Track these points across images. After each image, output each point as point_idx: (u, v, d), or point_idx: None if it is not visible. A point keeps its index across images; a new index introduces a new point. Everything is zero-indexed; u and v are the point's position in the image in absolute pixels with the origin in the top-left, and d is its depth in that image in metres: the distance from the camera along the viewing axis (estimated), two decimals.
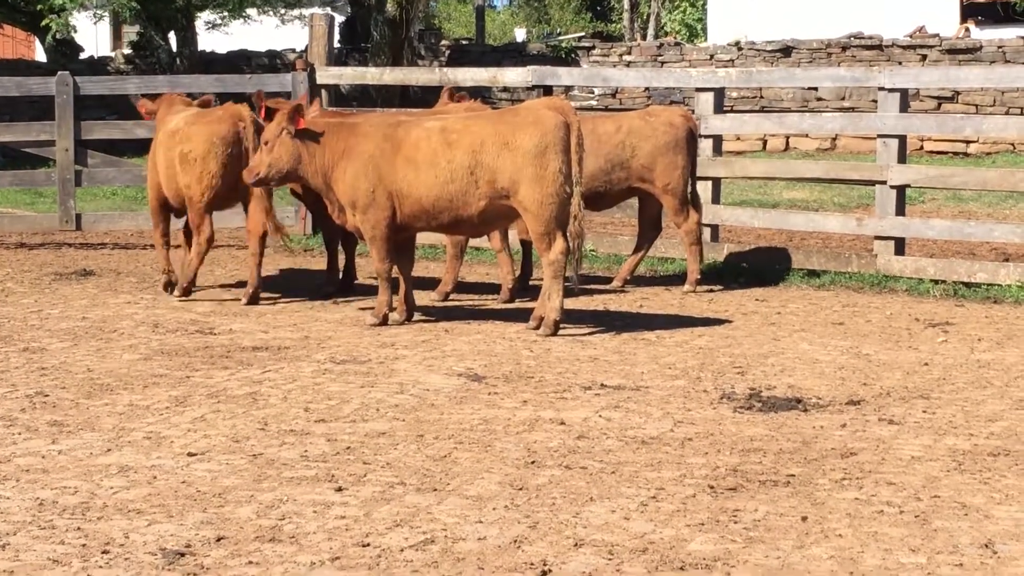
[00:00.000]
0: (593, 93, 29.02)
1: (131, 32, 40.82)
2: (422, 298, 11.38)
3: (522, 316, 10.91)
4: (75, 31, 31.19)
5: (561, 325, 10.27)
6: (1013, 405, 8.08)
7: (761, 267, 13.10)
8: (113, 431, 7.38)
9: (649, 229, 12.84)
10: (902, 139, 12.77)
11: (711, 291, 12.33)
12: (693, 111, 13.84)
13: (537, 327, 10.37)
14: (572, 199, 10.09)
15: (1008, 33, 28.85)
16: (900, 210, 12.73)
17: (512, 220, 10.58)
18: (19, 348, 9.64)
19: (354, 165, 10.30)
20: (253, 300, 11.47)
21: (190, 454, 6.93)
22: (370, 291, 11.49)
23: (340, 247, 12.24)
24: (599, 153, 12.17)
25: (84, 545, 5.56)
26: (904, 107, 12.75)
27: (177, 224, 12.27)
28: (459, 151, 10.14)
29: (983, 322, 10.86)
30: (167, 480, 6.48)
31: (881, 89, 12.79)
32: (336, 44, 26.45)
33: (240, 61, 31.37)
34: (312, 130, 10.43)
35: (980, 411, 7.93)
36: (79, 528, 5.77)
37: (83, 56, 34.33)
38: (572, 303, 11.48)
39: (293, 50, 31.56)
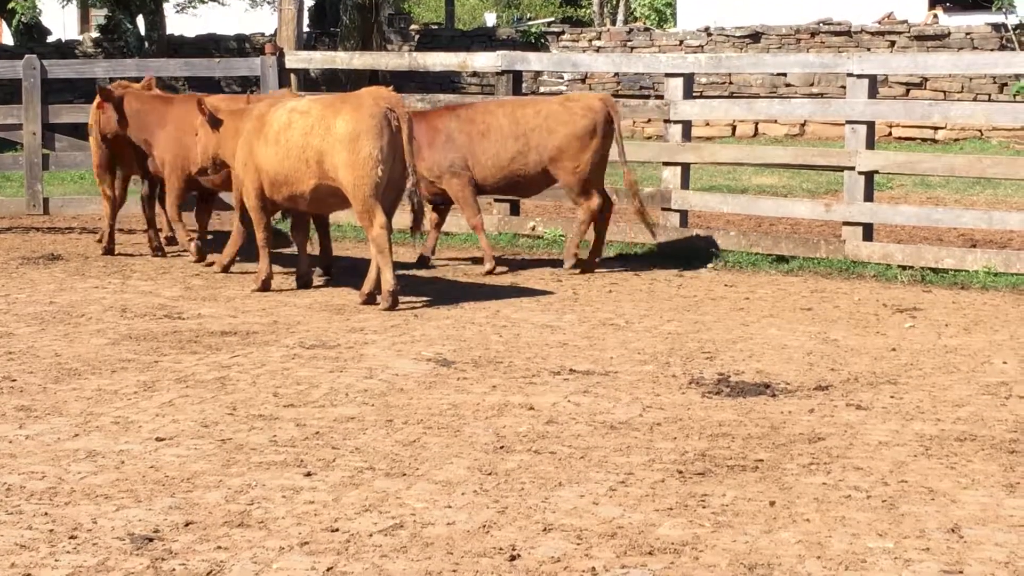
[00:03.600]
0: (563, 78, 29.02)
1: (99, 15, 40.62)
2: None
3: (495, 301, 10.92)
4: (40, 14, 31.04)
5: (399, 297, 10.60)
6: (980, 390, 8.12)
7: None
8: (81, 416, 7.36)
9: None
10: (870, 125, 12.80)
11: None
12: (615, 96, 13.84)
13: (365, 302, 10.79)
14: (409, 184, 10.62)
15: (976, 20, 28.93)
16: (868, 196, 12.76)
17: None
18: None
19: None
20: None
21: (158, 439, 6.92)
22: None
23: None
24: (518, 136, 12.34)
25: (51, 530, 5.55)
26: (873, 93, 12.77)
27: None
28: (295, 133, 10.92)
29: (950, 308, 10.90)
30: (135, 465, 6.47)
31: (850, 75, 12.81)
32: (305, 28, 26.42)
33: (209, 45, 31.27)
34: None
35: (947, 396, 7.97)
36: (46, 513, 5.76)
37: (51, 39, 34.17)
38: (544, 288, 11.50)
39: (262, 34, 31.49)
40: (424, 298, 11.02)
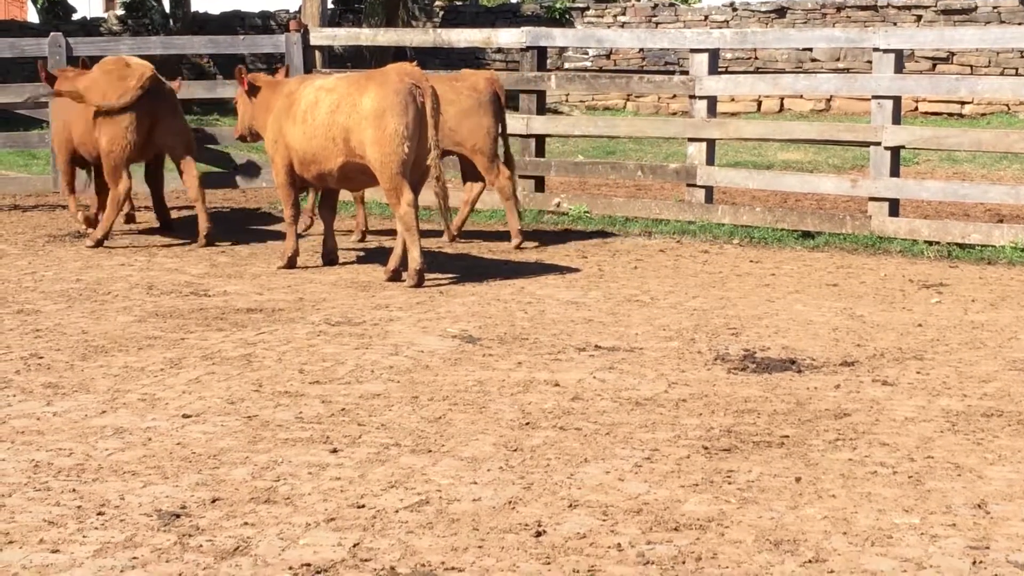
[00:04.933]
0: (587, 54, 28.97)
1: None
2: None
3: (520, 278, 10.92)
4: None
5: (425, 275, 10.64)
6: (1006, 366, 8.10)
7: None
8: (108, 393, 7.39)
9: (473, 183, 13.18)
10: (897, 100, 12.75)
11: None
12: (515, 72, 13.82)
13: (391, 279, 10.83)
14: (430, 159, 10.59)
15: None
16: (895, 171, 12.71)
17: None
18: (13, 310, 9.64)
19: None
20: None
21: (185, 416, 6.94)
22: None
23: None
24: None
25: (79, 507, 5.57)
26: (899, 68, 12.72)
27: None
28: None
29: (977, 283, 10.87)
30: (162, 442, 6.49)
31: (876, 50, 12.76)
32: (330, 5, 26.39)
33: (234, 22, 31.28)
34: None
35: (974, 372, 7.94)
36: (74, 490, 5.78)
37: (76, 17, 34.24)
38: (569, 265, 11.50)
39: (287, 11, 31.48)
40: (449, 275, 11.03)
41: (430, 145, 10.56)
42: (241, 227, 13.79)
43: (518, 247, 12.44)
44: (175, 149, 12.62)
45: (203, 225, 12.58)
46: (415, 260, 10.58)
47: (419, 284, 10.54)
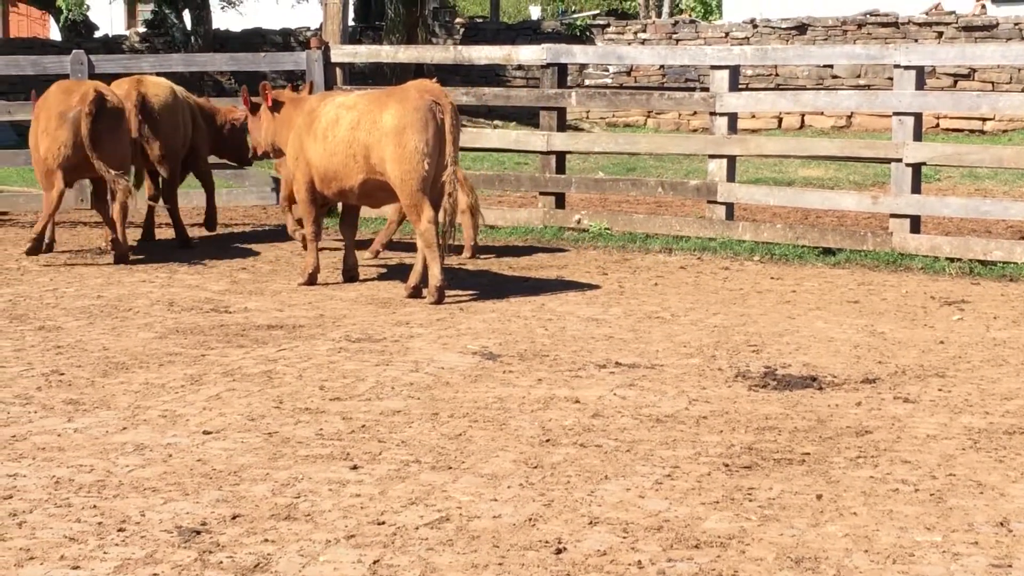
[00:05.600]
0: (608, 71, 28.99)
1: (145, 10, 40.81)
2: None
3: (540, 295, 10.92)
4: (88, 9, 31.22)
5: (446, 291, 10.62)
6: None
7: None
8: (129, 409, 7.40)
9: None
10: (918, 117, 12.73)
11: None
12: (708, 88, 13.83)
13: (411, 296, 10.81)
14: (445, 175, 10.55)
15: None
16: (916, 188, 12.69)
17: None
18: (35, 327, 9.66)
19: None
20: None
21: (205, 432, 6.95)
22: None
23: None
24: None
25: (100, 523, 5.58)
26: (920, 85, 12.70)
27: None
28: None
29: (999, 300, 10.83)
30: (183, 458, 6.50)
31: (897, 67, 12.75)
32: (351, 22, 26.46)
33: (255, 39, 31.40)
34: None
35: (996, 389, 7.92)
36: (95, 506, 5.79)
37: (98, 34, 34.40)
38: (589, 281, 11.50)
39: (308, 28, 31.58)
40: (470, 291, 11.03)
41: (447, 161, 10.57)
42: (261, 244, 13.81)
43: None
44: (106, 170, 12.44)
45: (116, 244, 12.58)
46: (436, 277, 10.58)
47: (439, 301, 10.54)
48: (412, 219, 10.71)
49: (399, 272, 11.76)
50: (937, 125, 25.14)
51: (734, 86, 13.67)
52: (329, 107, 11.14)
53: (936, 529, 5.54)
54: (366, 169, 10.79)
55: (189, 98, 13.89)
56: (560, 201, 14.64)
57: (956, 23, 26.99)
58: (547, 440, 6.82)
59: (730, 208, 13.67)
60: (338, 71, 15.35)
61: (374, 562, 5.17)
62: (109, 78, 14.73)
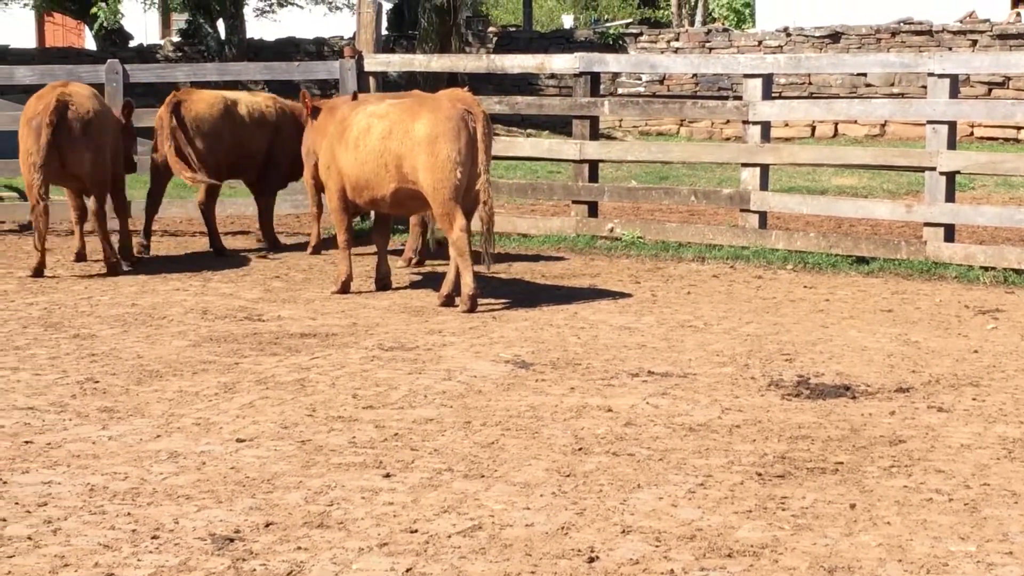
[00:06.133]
0: (641, 80, 28.98)
1: (180, 20, 40.97)
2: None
3: (573, 303, 10.92)
4: (122, 19, 31.34)
5: (478, 300, 10.65)
6: None
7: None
8: (163, 417, 7.43)
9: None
10: (952, 125, 12.68)
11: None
12: (741, 97, 13.83)
13: (444, 304, 10.81)
14: (478, 184, 10.58)
15: None
16: (950, 197, 12.64)
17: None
18: (70, 335, 9.71)
19: None
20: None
21: (239, 440, 6.97)
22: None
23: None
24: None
25: (134, 530, 5.60)
26: (954, 93, 12.65)
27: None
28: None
29: None
30: (216, 466, 6.52)
31: (931, 75, 12.71)
32: (384, 31, 26.52)
33: (288, 48, 31.47)
34: None
35: None
36: (129, 513, 5.81)
37: (132, 44, 34.55)
38: (622, 290, 11.48)
39: (341, 37, 31.64)
40: (503, 300, 11.04)
41: (479, 170, 10.58)
42: (294, 253, 13.84)
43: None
44: (80, 180, 12.47)
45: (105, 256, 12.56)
46: (468, 285, 10.60)
47: (472, 309, 10.55)
48: (444, 228, 10.73)
49: (432, 280, 11.78)
50: (971, 134, 25.05)
51: (767, 94, 13.64)
52: (360, 116, 11.17)
53: (970, 539, 5.52)
54: (398, 178, 10.82)
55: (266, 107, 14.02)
56: (593, 210, 14.63)
57: (990, 31, 26.89)
58: (580, 449, 6.82)
59: (763, 217, 13.64)
60: (371, 80, 15.37)
61: (407, 570, 5.18)
62: (143, 87, 14.81)
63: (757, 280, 12.24)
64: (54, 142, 11.98)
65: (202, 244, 14.16)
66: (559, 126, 26.00)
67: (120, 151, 12.99)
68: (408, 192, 10.82)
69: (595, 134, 14.71)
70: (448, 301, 10.82)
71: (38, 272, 12.22)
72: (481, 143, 10.55)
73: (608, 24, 38.13)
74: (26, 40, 43.64)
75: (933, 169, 12.59)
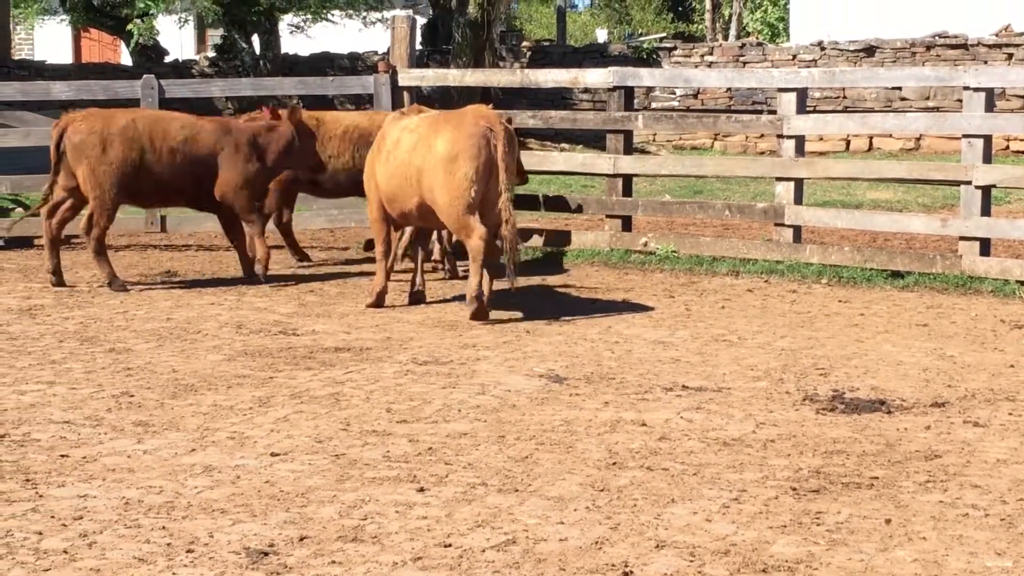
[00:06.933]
0: (675, 94, 28.97)
1: (215, 35, 41.22)
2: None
3: (607, 317, 10.92)
4: (158, 33, 31.51)
5: (485, 304, 10.74)
6: None
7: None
8: (197, 431, 7.45)
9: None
10: (987, 139, 12.63)
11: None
12: (777, 112, 13.81)
13: (474, 317, 10.79)
14: (500, 202, 10.65)
15: None
16: (985, 210, 12.59)
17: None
18: (105, 349, 9.75)
19: None
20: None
21: (273, 454, 6.98)
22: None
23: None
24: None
25: (169, 544, 5.62)
26: (990, 107, 12.61)
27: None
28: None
29: None
30: (251, 480, 6.53)
31: (966, 88, 12.66)
32: (418, 46, 26.60)
33: (323, 63, 31.59)
34: None
35: None
36: (164, 527, 5.83)
37: (168, 59, 34.71)
38: (656, 304, 11.48)
39: (375, 52, 31.74)
40: (536, 314, 11.03)
41: (501, 188, 10.63)
42: (328, 267, 13.88)
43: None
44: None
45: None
46: (472, 288, 10.68)
47: (478, 314, 10.68)
48: (463, 239, 10.82)
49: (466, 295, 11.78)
50: (1007, 148, 24.96)
51: (802, 108, 13.62)
52: (395, 129, 11.29)
53: (1007, 555, 5.50)
54: (420, 192, 10.91)
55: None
56: (627, 224, 14.62)
57: None
58: (614, 463, 6.82)
59: (797, 231, 13.61)
60: (405, 95, 15.40)
61: None
62: (179, 102, 14.86)
63: (792, 294, 12.22)
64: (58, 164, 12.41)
65: (234, 258, 14.17)
66: (593, 140, 26.00)
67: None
68: (430, 207, 10.87)
69: (629, 148, 14.70)
70: (479, 311, 10.76)
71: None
72: (502, 161, 10.58)
73: (642, 38, 38.15)
74: (63, 56, 43.92)
75: (968, 183, 12.54)
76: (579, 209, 14.85)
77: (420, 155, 10.83)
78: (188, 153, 12.53)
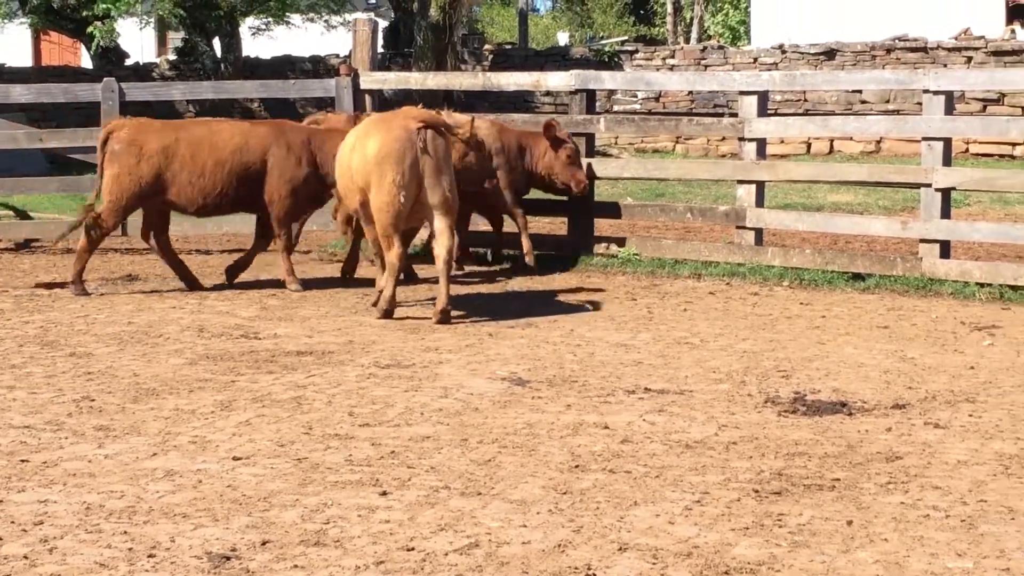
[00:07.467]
0: (636, 97, 29.02)
1: (176, 38, 41.06)
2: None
3: (569, 320, 10.92)
4: (119, 36, 31.37)
5: (390, 312, 10.96)
6: None
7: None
8: (159, 435, 7.42)
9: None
10: (947, 142, 12.68)
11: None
12: (736, 114, 13.86)
13: (440, 321, 10.80)
14: (435, 200, 10.82)
15: None
16: (945, 213, 12.65)
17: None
18: (66, 353, 9.71)
19: None
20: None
21: (235, 458, 6.96)
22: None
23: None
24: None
25: (130, 549, 5.59)
26: (949, 109, 12.67)
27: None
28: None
29: None
30: (212, 484, 6.51)
31: (926, 91, 12.72)
32: (380, 49, 26.58)
33: (284, 67, 31.52)
34: None
35: None
36: (125, 532, 5.81)
37: (128, 62, 34.58)
38: (618, 307, 11.49)
39: (337, 55, 31.69)
40: (498, 317, 11.03)
41: (437, 186, 10.77)
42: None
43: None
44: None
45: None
46: (385, 300, 10.98)
47: (384, 316, 10.90)
48: (384, 246, 10.95)
49: (429, 298, 11.77)
50: (967, 150, 25.08)
51: (763, 111, 13.65)
52: (352, 130, 11.44)
53: (967, 555, 5.52)
54: (361, 193, 11.01)
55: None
56: (589, 226, 14.63)
57: (985, 48, 26.96)
58: (576, 466, 6.82)
59: (759, 233, 13.65)
60: (367, 98, 15.39)
61: None
62: (140, 106, 14.79)
63: (753, 297, 12.25)
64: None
65: (195, 262, 14.13)
66: None
67: None
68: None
69: (591, 151, 14.72)
70: (444, 317, 10.77)
71: None
72: (432, 160, 10.70)
73: (604, 42, 38.23)
74: (22, 59, 43.65)
75: (928, 185, 12.60)
76: (542, 211, 14.84)
77: (358, 156, 10.97)
78: (238, 163, 12.44)
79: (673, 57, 29.77)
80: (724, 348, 9.90)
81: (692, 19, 45.99)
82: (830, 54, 27.94)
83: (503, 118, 15.04)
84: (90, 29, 30.12)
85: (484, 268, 13.90)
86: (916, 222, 12.97)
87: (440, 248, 10.84)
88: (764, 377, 8.91)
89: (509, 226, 13.84)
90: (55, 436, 7.40)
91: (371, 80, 15.59)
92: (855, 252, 13.88)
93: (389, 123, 10.96)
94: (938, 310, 11.51)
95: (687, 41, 41.95)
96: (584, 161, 13.81)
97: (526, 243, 13.50)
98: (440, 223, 10.85)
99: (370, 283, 12.06)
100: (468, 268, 13.66)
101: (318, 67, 31.29)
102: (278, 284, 12.83)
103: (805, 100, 27.47)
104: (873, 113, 25.42)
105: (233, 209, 12.82)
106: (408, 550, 5.58)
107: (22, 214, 16.72)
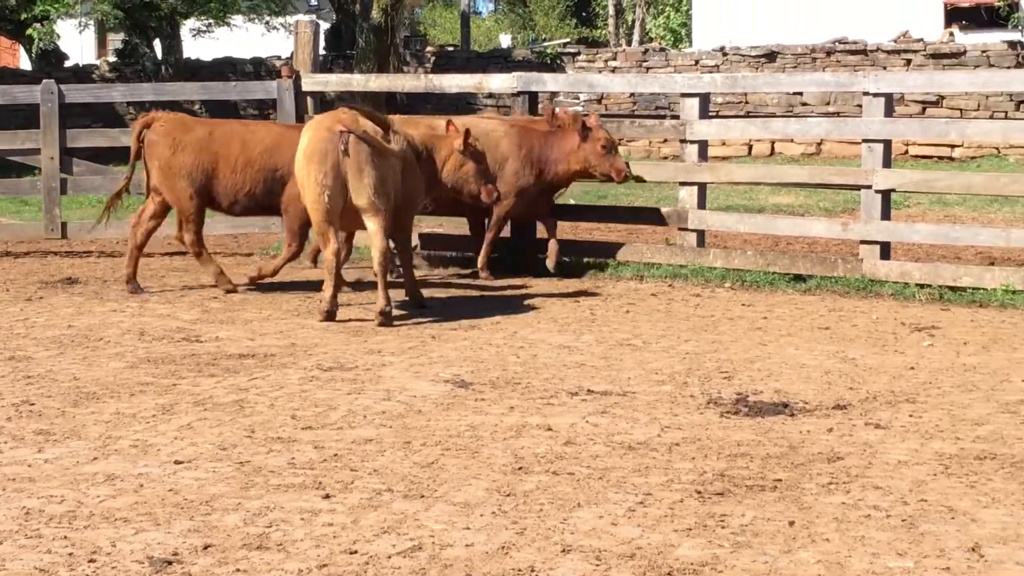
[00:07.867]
0: (579, 99, 29.06)
1: (116, 40, 40.79)
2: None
3: (512, 322, 10.92)
4: (58, 39, 31.17)
5: (332, 313, 11.00)
6: (999, 408, 8.10)
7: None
8: (99, 439, 7.37)
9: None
10: (887, 144, 12.77)
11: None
12: (678, 116, 13.88)
13: (382, 324, 10.81)
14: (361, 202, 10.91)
15: (992, 37, 28.96)
16: (885, 214, 12.73)
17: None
18: (5, 357, 9.63)
19: None
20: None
21: (177, 462, 6.92)
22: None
23: None
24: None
25: (71, 554, 5.55)
26: (889, 112, 12.75)
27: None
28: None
29: (969, 326, 10.87)
30: (154, 488, 6.47)
31: (866, 94, 12.80)
32: (321, 51, 26.50)
33: (226, 68, 31.38)
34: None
35: (966, 415, 7.94)
36: (66, 537, 5.76)
37: (68, 64, 34.33)
38: (561, 309, 11.50)
39: (278, 57, 31.57)
40: (441, 319, 11.02)
41: (361, 188, 10.83)
42: (231, 273, 13.77)
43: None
44: None
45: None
46: (324, 300, 11.04)
47: (327, 319, 10.95)
48: (320, 244, 11.18)
49: (371, 302, 11.74)
50: (906, 152, 25.26)
51: (704, 113, 13.70)
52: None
53: (908, 555, 5.55)
54: (303, 190, 11.16)
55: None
56: (533, 229, 14.62)
57: (924, 51, 27.15)
58: (519, 468, 6.82)
59: (701, 235, 13.69)
60: (309, 100, 15.34)
61: None
62: (80, 107, 14.69)
63: (695, 298, 12.29)
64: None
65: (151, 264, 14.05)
66: None
67: None
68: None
69: None
70: (386, 318, 10.78)
71: None
72: (353, 163, 10.77)
73: (546, 44, 38.27)
74: None
75: (869, 187, 12.68)
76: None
77: (293, 158, 11.29)
78: (266, 164, 12.43)
79: (615, 59, 29.83)
80: (666, 349, 9.93)
81: (634, 21, 46.07)
82: (771, 56, 28.07)
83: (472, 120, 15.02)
84: (29, 31, 29.91)
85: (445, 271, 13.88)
86: (856, 223, 13.04)
87: (373, 250, 10.91)
88: (706, 378, 8.94)
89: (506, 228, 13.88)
90: None
91: (313, 82, 15.54)
92: (796, 253, 13.95)
93: (318, 123, 11.13)
94: (879, 311, 11.58)
95: (629, 43, 42.03)
96: None
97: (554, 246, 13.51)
98: (368, 225, 10.91)
99: (314, 287, 12.02)
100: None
101: (259, 69, 31.17)
102: (219, 286, 12.77)
103: (747, 102, 27.58)
104: (814, 115, 25.51)
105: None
106: (351, 553, 5.56)
107: None
